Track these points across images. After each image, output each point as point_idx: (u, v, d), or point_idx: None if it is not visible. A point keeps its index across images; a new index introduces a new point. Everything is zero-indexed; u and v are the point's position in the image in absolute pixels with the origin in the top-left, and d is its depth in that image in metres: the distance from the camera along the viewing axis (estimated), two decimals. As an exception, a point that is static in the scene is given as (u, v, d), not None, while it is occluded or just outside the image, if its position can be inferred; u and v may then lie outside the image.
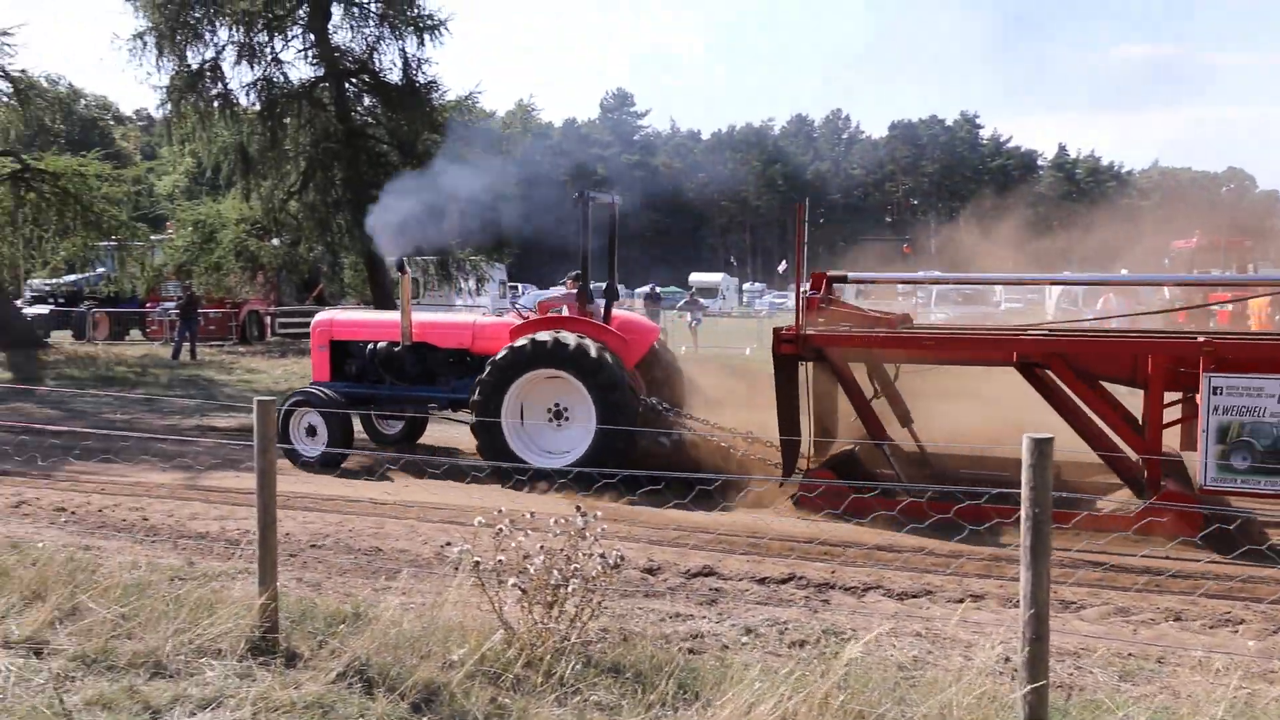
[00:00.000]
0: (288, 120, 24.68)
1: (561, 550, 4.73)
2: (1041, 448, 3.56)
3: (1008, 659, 4.79)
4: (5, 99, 24.97)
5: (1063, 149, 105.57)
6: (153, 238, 31.11)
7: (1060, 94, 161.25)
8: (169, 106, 24.65)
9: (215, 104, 24.35)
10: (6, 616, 5.08)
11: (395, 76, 24.72)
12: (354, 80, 24.91)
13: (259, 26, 22.89)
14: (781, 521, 8.28)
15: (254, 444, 4.90)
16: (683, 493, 8.03)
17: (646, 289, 31.97)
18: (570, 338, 9.91)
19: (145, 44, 22.81)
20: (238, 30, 22.94)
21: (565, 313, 10.72)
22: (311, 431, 10.98)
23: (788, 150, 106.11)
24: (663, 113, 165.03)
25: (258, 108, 24.71)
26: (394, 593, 5.97)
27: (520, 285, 49.54)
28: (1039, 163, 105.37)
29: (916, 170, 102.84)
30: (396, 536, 7.83)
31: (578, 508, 4.92)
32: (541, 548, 4.72)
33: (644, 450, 9.74)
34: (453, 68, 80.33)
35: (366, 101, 25.38)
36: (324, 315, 12.38)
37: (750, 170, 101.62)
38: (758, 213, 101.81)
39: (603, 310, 10.90)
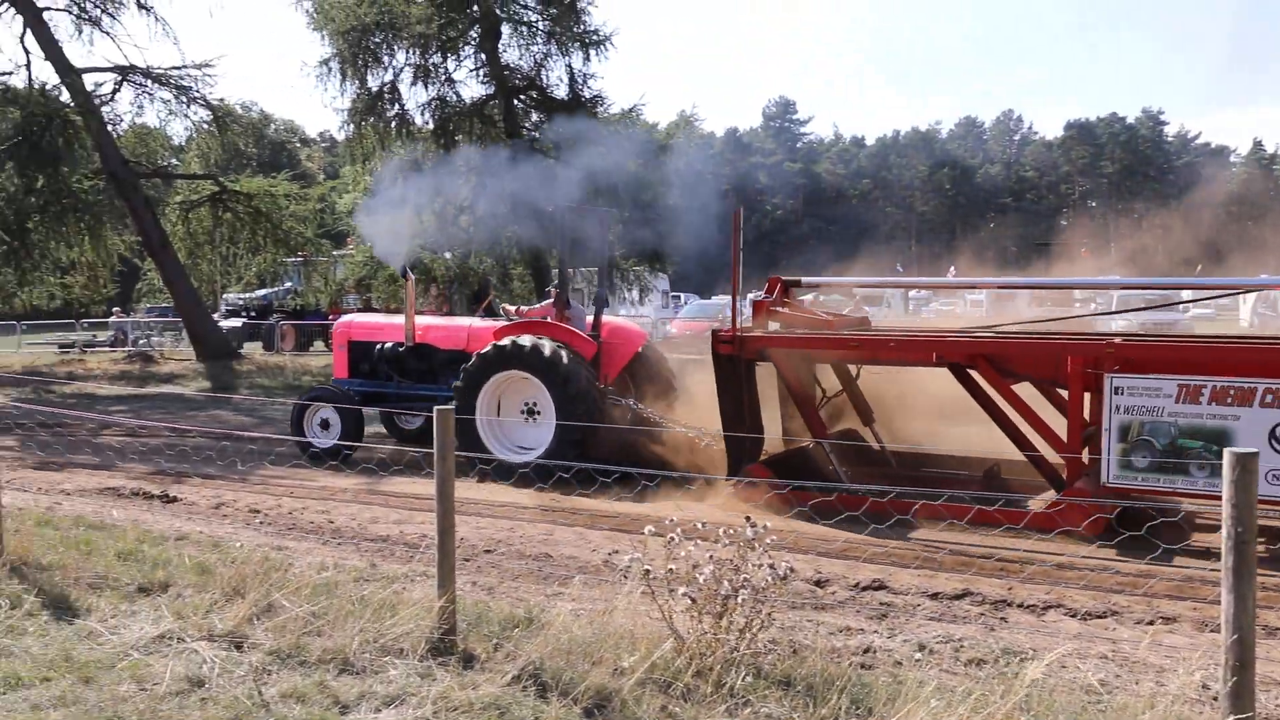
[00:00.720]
0: (459, 137, 25.54)
1: (730, 560, 4.73)
2: (1244, 463, 3.34)
3: (1206, 686, 4.52)
4: (205, 126, 26.76)
5: (1259, 144, 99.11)
6: (334, 253, 32.76)
7: (1257, 87, 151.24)
8: (350, 128, 25.85)
9: (393, 124, 25.40)
10: (211, 611, 5.41)
11: (561, 92, 25.27)
12: (522, 97, 25.58)
13: (434, 49, 23.78)
14: (954, 536, 8.05)
15: (434, 450, 5.07)
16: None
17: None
18: (528, 340, 10.57)
19: (330, 69, 24.03)
20: (414, 53, 23.90)
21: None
22: (325, 425, 11.90)
23: (956, 153, 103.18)
24: (825, 119, 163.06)
25: (431, 126, 25.65)
26: (565, 599, 6.10)
27: (682, 295, 49.73)
28: (1231, 159, 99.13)
29: (1094, 170, 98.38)
30: (565, 543, 7.97)
31: (747, 518, 4.90)
32: (711, 558, 4.73)
33: (612, 445, 10.28)
34: (617, 81, 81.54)
35: (534, 117, 26.02)
36: (344, 319, 13.42)
37: (916, 175, 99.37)
38: (924, 218, 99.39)
39: (592, 317, 11.53)
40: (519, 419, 10.81)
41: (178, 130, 29.57)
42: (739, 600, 4.62)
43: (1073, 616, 6.10)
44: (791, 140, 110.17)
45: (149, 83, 23.60)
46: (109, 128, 23.74)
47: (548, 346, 10.44)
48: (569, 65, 24.98)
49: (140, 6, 22.98)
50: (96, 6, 22.72)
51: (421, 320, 12.25)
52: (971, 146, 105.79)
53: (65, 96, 22.86)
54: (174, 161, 31.98)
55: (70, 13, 22.66)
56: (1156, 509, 7.34)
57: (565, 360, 10.35)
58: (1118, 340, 8.42)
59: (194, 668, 4.74)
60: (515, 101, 25.49)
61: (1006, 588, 6.61)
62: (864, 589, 6.64)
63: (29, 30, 21.99)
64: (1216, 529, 7.54)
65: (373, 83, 24.69)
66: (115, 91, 23.75)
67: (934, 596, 6.47)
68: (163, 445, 12.74)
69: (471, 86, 25.92)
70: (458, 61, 24.82)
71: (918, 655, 5.29)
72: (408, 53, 24.04)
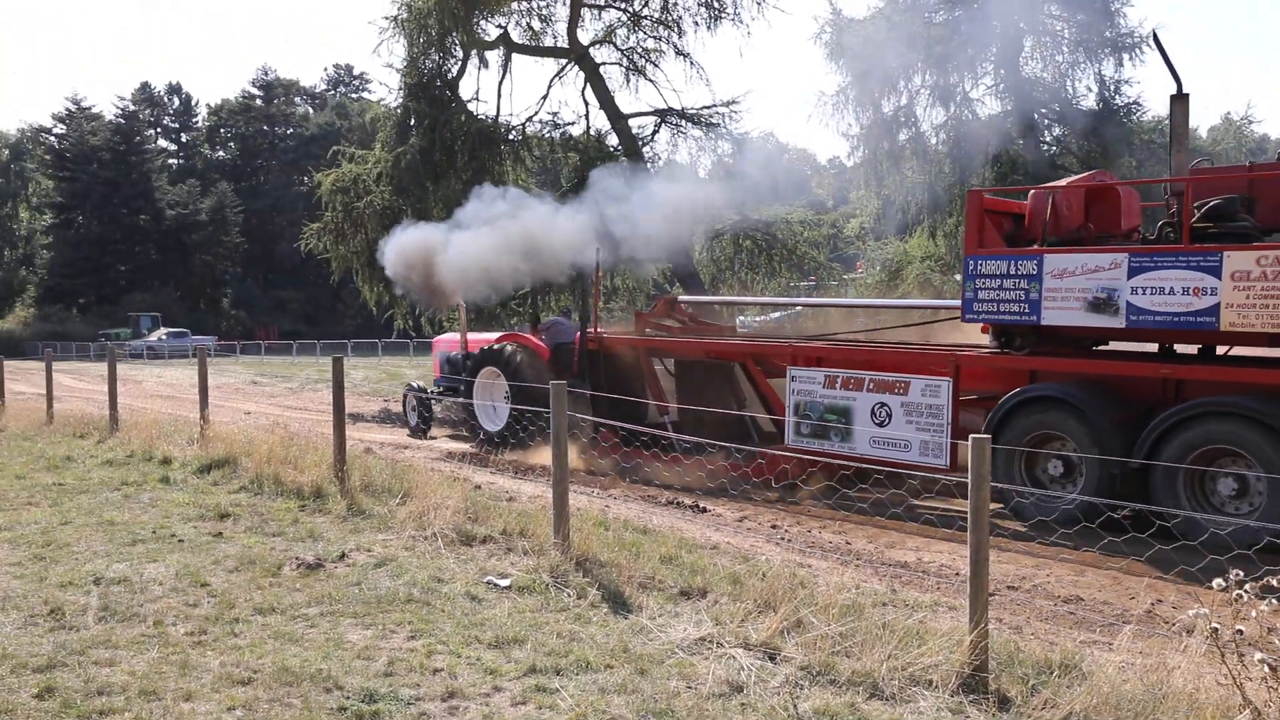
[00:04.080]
0: (975, 156, 24.92)
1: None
2: None
3: None
4: (728, 159, 28.54)
5: None
6: (845, 276, 33.38)
7: None
8: (861, 153, 26.25)
9: (905, 147, 25.40)
10: (745, 620, 5.71)
11: (1089, 102, 23.72)
12: (1043, 110, 24.38)
13: (951, 68, 23.45)
14: None
15: (968, 481, 4.95)
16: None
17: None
18: (500, 346, 14.55)
19: (846, 97, 24.60)
20: (931, 74, 23.76)
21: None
22: (414, 409, 16.72)
23: None
24: None
25: (944, 147, 25.28)
26: (1103, 647, 5.66)
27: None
28: None
29: None
30: (1099, 587, 7.41)
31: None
32: (1294, 623, 4.13)
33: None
34: (1152, 86, 74.47)
35: (1056, 131, 24.68)
36: (438, 336, 18.23)
37: None
38: None
39: (578, 329, 14.41)
40: (502, 402, 14.45)
41: (704, 164, 31.82)
42: (1333, 676, 3.98)
43: None
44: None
45: (683, 122, 25.67)
46: (648, 166, 26.19)
47: (507, 350, 14.33)
48: (1099, 72, 23.40)
49: (678, 53, 25.08)
50: (642, 57, 25.19)
51: (473, 335, 16.33)
52: None
53: (613, 140, 25.58)
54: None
55: (621, 65, 25.36)
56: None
57: (519, 360, 14.05)
58: (796, 344, 12.17)
59: (733, 673, 5.02)
60: (1035, 115, 24.36)
61: None
62: None
63: (588, 84, 24.94)
64: None
65: (887, 107, 24.90)
66: (654, 132, 26.11)
67: None
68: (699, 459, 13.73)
69: (988, 104, 25.17)
70: (975, 79, 24.26)
71: None
72: (923, 75, 23.93)
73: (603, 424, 12.35)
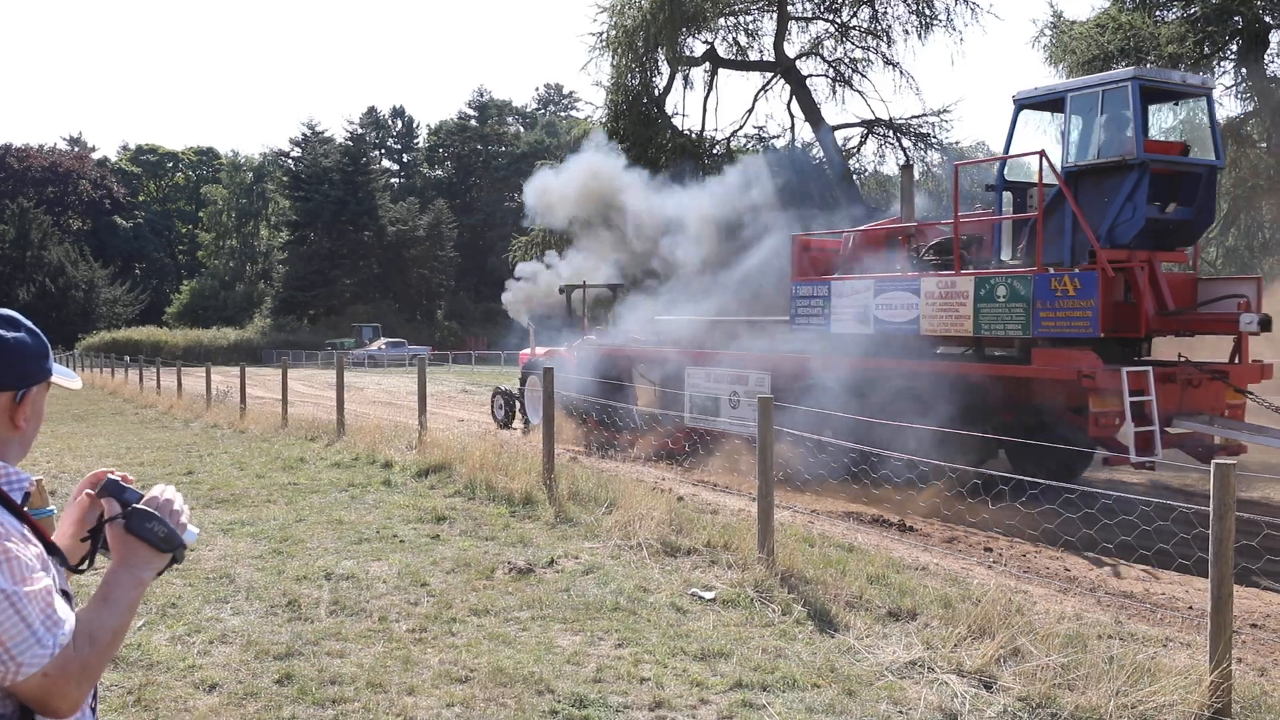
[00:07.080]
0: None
1: None
2: None
3: None
4: (935, 170, 27.74)
5: None
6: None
7: None
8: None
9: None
10: (958, 645, 5.50)
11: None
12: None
13: (1184, 68, 21.99)
14: None
15: (1210, 509, 4.61)
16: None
17: None
18: (539, 358, 17.61)
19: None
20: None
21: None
22: (500, 408, 19.78)
23: None
24: None
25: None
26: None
27: None
28: None
29: None
30: (1356, 630, 6.75)
31: None
32: None
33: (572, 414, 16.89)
34: None
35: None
36: (524, 350, 20.73)
37: None
38: None
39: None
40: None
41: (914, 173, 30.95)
42: None
43: None
44: None
45: (891, 133, 25.15)
46: (855, 178, 25.80)
47: (541, 360, 16.83)
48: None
49: (887, 63, 24.66)
50: (849, 68, 24.88)
51: (540, 348, 19.25)
52: None
53: (819, 153, 25.34)
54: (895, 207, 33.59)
55: (827, 76, 25.12)
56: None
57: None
58: (693, 351, 14.91)
59: (946, 700, 4.85)
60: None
61: None
62: None
63: (794, 97, 24.82)
64: None
65: (1111, 111, 23.56)
66: (861, 143, 25.73)
67: None
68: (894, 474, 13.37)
69: (1226, 105, 23.48)
70: (1213, 79, 22.66)
71: None
72: (1153, 75, 22.52)
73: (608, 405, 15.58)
